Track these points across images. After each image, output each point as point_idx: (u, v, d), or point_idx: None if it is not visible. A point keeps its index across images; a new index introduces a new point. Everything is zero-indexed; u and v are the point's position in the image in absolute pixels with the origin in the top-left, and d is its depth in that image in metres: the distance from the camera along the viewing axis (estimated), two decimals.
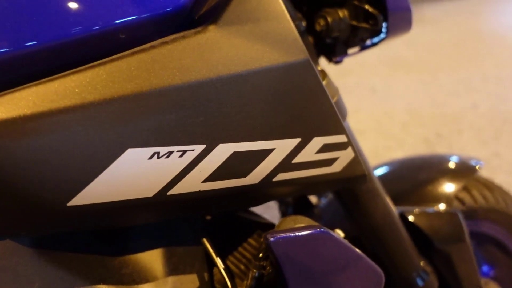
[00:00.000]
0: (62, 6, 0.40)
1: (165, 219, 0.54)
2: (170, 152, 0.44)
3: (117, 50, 0.42)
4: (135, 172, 0.43)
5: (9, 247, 0.46)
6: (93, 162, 0.41)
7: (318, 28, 0.70)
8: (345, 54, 0.75)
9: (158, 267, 0.56)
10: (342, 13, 0.69)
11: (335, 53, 0.75)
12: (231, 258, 0.64)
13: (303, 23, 0.69)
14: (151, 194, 0.45)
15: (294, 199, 1.02)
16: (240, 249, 0.63)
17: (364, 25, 0.69)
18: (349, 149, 0.55)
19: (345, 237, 0.86)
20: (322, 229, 0.51)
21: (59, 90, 0.39)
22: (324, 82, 0.63)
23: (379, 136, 2.65)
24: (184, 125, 0.43)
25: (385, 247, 0.82)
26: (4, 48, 0.38)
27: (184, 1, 0.44)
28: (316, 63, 0.70)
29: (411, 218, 0.92)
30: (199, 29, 0.45)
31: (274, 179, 0.51)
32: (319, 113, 0.50)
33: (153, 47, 0.43)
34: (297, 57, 0.46)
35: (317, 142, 0.51)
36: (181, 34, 0.44)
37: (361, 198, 0.77)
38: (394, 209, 0.83)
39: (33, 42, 0.39)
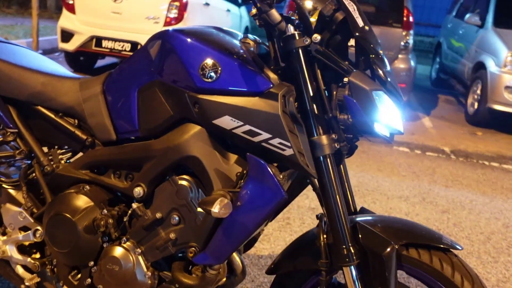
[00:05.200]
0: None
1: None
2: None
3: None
4: None
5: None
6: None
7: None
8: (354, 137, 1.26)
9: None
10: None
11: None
12: None
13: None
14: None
15: None
16: None
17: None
18: (290, 149, 1.13)
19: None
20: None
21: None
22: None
23: None
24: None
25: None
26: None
27: (262, 90, 1.16)
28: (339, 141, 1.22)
29: (360, 220, 1.22)
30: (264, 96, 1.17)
31: (255, 139, 1.16)
32: (279, 132, 1.14)
33: None
34: (272, 110, 1.14)
35: (277, 140, 1.14)
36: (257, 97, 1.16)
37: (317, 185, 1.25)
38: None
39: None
